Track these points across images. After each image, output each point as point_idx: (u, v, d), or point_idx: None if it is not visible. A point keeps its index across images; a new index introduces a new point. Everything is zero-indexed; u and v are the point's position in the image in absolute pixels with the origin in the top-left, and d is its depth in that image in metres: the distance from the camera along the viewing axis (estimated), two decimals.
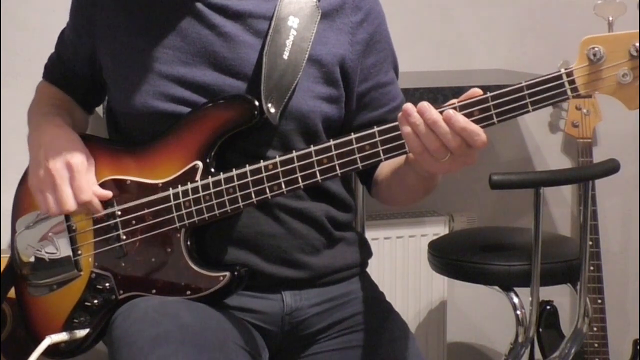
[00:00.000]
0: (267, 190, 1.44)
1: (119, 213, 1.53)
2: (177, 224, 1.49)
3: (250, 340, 1.50)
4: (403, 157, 1.46)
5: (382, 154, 1.39)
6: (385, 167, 1.60)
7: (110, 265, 1.54)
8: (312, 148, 1.42)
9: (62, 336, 1.56)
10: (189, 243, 1.50)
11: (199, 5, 1.52)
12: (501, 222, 2.79)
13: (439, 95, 2.24)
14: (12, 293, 1.69)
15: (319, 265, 1.58)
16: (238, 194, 1.45)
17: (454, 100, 1.35)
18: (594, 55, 1.29)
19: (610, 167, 2.17)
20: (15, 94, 2.34)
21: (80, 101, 1.71)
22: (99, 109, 1.92)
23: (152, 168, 1.52)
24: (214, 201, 1.47)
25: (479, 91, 1.34)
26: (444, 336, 2.73)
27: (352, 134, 1.40)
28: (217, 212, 1.47)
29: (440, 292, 2.69)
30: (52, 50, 1.73)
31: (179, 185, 1.49)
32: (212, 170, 1.48)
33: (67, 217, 1.57)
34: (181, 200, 1.48)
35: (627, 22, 2.43)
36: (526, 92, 1.31)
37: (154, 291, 1.51)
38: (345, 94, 1.57)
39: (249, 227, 1.53)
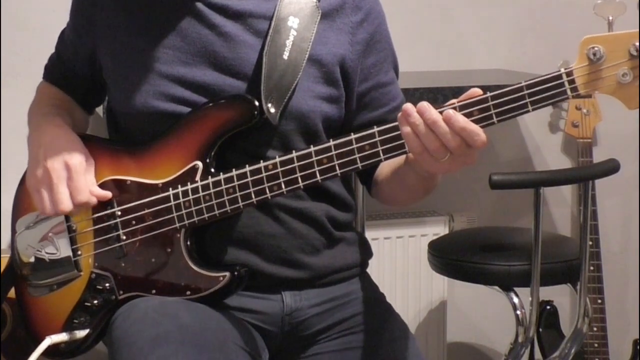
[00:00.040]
0: (267, 191, 1.44)
1: (119, 213, 1.53)
2: (177, 224, 1.49)
3: (250, 341, 1.50)
4: (403, 157, 1.46)
5: (382, 154, 1.39)
6: (385, 167, 1.59)
7: (110, 265, 1.54)
8: (312, 148, 1.42)
9: (62, 336, 1.56)
10: (188, 243, 1.50)
11: (199, 5, 1.52)
12: (501, 222, 2.78)
13: (439, 95, 2.24)
14: (12, 293, 1.69)
15: (319, 266, 1.58)
16: (238, 194, 1.45)
17: (454, 100, 1.35)
18: (594, 54, 1.29)
19: (610, 167, 2.17)
20: (15, 94, 2.34)
21: (80, 101, 1.71)
22: (99, 109, 1.92)
23: (152, 168, 1.52)
24: (214, 201, 1.47)
25: (478, 91, 1.34)
26: (444, 336, 2.73)
27: (352, 134, 1.40)
28: (217, 212, 1.47)
29: (440, 292, 2.68)
30: (52, 50, 1.73)
31: (179, 186, 1.49)
32: (212, 170, 1.48)
33: (67, 217, 1.57)
34: (181, 200, 1.48)
35: (627, 21, 2.42)
36: (526, 91, 1.31)
37: (153, 291, 1.51)
38: (346, 94, 1.57)
39: (249, 227, 1.53)
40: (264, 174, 1.44)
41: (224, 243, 1.53)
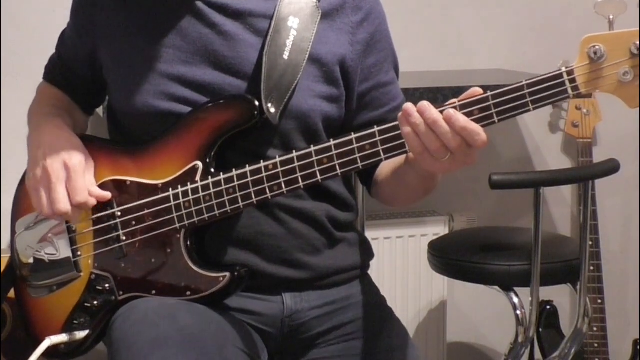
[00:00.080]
0: (267, 191, 1.44)
1: (119, 214, 1.52)
2: (177, 225, 1.49)
3: (249, 343, 1.50)
4: (403, 156, 1.46)
5: (382, 154, 1.39)
6: (385, 167, 1.59)
7: (110, 266, 1.54)
8: (312, 148, 1.42)
9: (62, 337, 1.55)
10: (189, 243, 1.50)
11: (199, 4, 1.52)
12: (501, 222, 2.78)
13: (439, 95, 2.24)
14: (12, 293, 1.69)
15: (320, 266, 1.58)
16: (238, 194, 1.45)
17: (454, 100, 1.34)
18: (595, 53, 1.29)
19: (610, 167, 2.17)
20: (15, 94, 2.34)
21: (79, 102, 1.71)
22: (99, 109, 1.91)
23: (152, 168, 1.52)
24: (214, 201, 1.46)
25: (479, 90, 1.34)
26: (444, 336, 2.73)
27: (353, 133, 1.40)
28: (217, 212, 1.46)
29: (440, 292, 2.68)
30: (52, 50, 1.73)
31: (179, 186, 1.49)
32: (212, 170, 1.48)
33: None
34: (181, 200, 1.48)
35: (627, 20, 2.43)
36: (527, 90, 1.31)
37: (154, 292, 1.51)
38: (346, 94, 1.57)
39: (249, 227, 1.52)
40: (264, 174, 1.44)
41: (224, 243, 1.53)
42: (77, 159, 1.52)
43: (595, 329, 2.62)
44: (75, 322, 1.57)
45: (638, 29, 1.29)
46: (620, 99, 1.31)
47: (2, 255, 1.98)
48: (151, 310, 1.45)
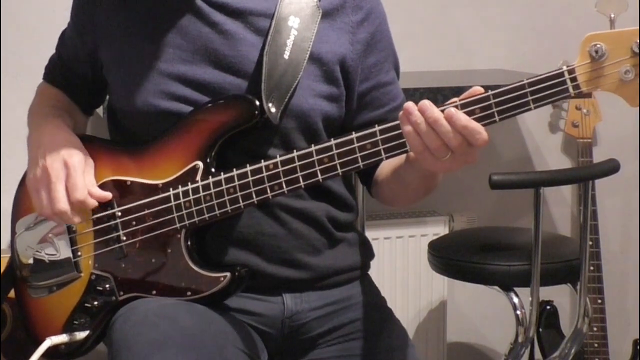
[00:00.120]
0: (268, 190, 1.44)
1: (119, 214, 1.52)
2: (178, 225, 1.49)
3: (249, 343, 1.50)
4: (403, 156, 1.46)
5: (383, 153, 1.39)
6: (386, 167, 1.59)
7: (110, 266, 1.54)
8: (313, 147, 1.42)
9: (62, 338, 1.55)
10: (189, 243, 1.49)
11: (200, 3, 1.52)
12: (501, 222, 2.78)
13: (439, 95, 2.24)
14: (12, 293, 1.69)
15: (320, 266, 1.57)
16: (239, 194, 1.45)
17: (455, 99, 1.34)
18: (596, 52, 1.28)
19: (610, 167, 2.17)
20: (15, 94, 2.34)
21: (79, 102, 1.71)
22: (99, 109, 1.91)
23: (152, 168, 1.52)
24: (215, 201, 1.46)
25: (480, 89, 1.34)
26: (444, 336, 2.73)
27: (353, 133, 1.40)
28: (217, 212, 1.46)
29: (440, 292, 2.68)
30: (52, 50, 1.72)
31: (180, 186, 1.48)
32: (213, 170, 1.48)
33: None
34: (181, 200, 1.48)
35: (629, 19, 2.43)
36: (528, 89, 1.31)
37: (154, 292, 1.51)
38: (346, 93, 1.57)
39: (250, 227, 1.52)
40: (264, 174, 1.44)
41: (224, 243, 1.53)
42: (77, 158, 1.52)
43: (595, 329, 2.62)
44: (75, 322, 1.57)
45: (639, 27, 1.28)
46: (621, 97, 1.31)
47: (2, 255, 1.98)
48: (151, 310, 1.45)
